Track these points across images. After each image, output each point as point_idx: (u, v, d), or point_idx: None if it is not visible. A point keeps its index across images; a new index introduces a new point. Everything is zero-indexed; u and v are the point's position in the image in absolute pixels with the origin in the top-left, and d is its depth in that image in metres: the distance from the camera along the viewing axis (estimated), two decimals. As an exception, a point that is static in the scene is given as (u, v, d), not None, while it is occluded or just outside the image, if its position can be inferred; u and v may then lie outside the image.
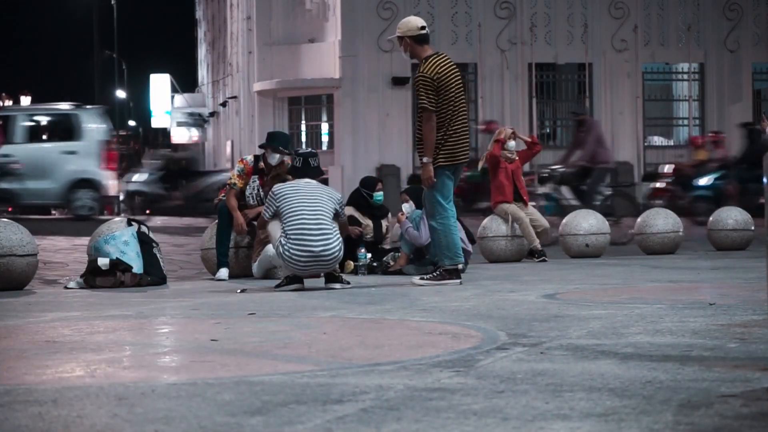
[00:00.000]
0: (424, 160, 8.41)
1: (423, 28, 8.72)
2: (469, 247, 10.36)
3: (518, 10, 29.74)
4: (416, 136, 8.75)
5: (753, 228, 13.61)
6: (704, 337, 4.63)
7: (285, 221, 8.25)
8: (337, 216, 8.42)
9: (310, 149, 9.37)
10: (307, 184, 8.55)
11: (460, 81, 8.66)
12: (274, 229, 8.33)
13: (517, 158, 12.33)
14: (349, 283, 8.45)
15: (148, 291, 8.61)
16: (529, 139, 12.54)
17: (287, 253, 8.15)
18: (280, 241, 8.21)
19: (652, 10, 30.55)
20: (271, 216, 8.42)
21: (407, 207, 10.57)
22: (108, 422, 2.95)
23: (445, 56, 8.69)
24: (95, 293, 8.42)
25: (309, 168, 8.69)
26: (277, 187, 8.58)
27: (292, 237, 8.16)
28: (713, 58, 30.82)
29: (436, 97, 8.40)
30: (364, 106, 29.25)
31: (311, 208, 8.25)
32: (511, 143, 12.25)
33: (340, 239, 8.34)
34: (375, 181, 11.00)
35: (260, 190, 10.26)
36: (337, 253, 8.25)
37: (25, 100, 53.33)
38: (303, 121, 31.95)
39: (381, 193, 10.82)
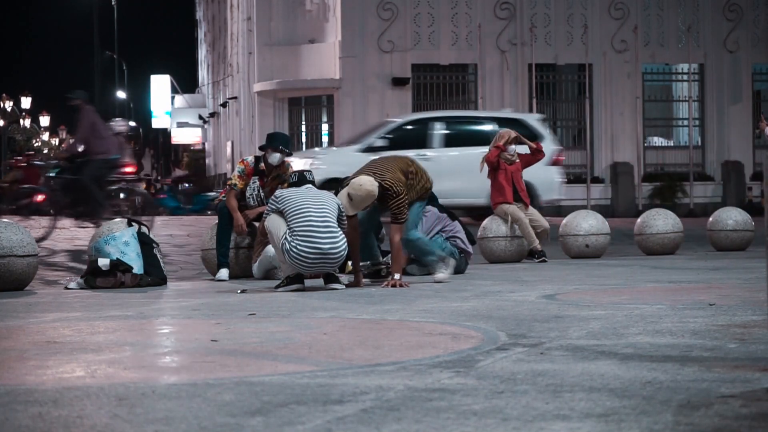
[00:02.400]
0: (396, 276, 8.52)
1: (371, 184, 8.69)
2: (470, 249, 10.36)
3: (518, 10, 29.74)
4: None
5: (752, 228, 13.62)
6: (704, 337, 4.64)
7: (291, 219, 8.24)
8: (340, 221, 8.44)
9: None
10: (309, 188, 8.59)
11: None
12: (275, 225, 8.31)
13: (517, 160, 12.34)
14: (345, 286, 8.45)
15: (148, 291, 8.61)
16: (534, 146, 12.52)
17: (294, 250, 8.13)
18: (286, 238, 8.19)
19: (651, 11, 30.53)
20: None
21: None
22: (108, 423, 2.95)
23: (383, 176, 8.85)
24: (95, 294, 8.42)
25: (305, 181, 8.76)
26: (280, 191, 8.60)
27: (300, 234, 8.15)
28: (713, 58, 30.81)
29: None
30: (364, 107, 29.25)
31: (317, 207, 8.27)
32: (511, 148, 12.24)
33: (345, 238, 8.38)
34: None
35: (260, 191, 10.26)
36: (343, 252, 8.28)
37: (25, 101, 53.30)
38: (303, 122, 31.95)
39: None
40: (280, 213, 8.36)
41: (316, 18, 30.71)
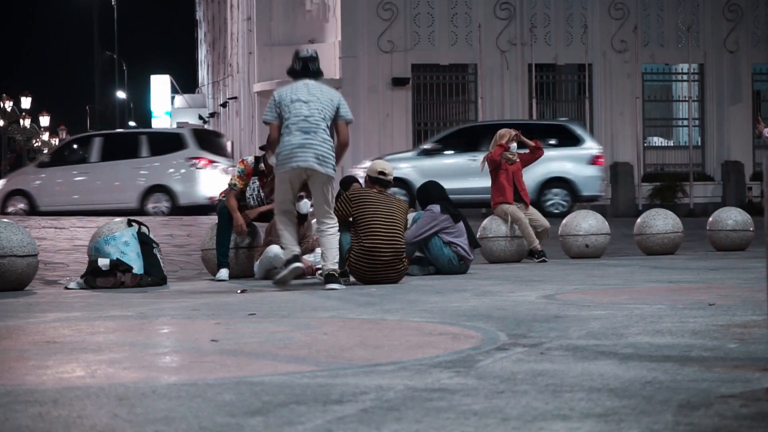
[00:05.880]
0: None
1: (382, 173, 9.47)
2: (470, 256, 10.34)
3: (518, 10, 29.73)
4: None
5: (752, 228, 13.63)
6: (704, 337, 4.63)
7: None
8: (336, 118, 8.72)
9: (310, 53, 9.03)
10: (308, 98, 8.67)
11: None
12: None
13: (518, 160, 12.34)
14: (344, 287, 8.48)
15: (148, 291, 8.61)
16: (533, 144, 12.52)
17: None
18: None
19: (651, 11, 30.52)
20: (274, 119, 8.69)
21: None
22: (108, 422, 2.95)
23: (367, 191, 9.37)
24: (95, 294, 8.42)
25: (308, 71, 8.83)
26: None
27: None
28: (713, 58, 30.80)
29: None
30: (364, 107, 29.25)
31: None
32: (513, 145, 12.25)
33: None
34: (351, 181, 10.86)
35: (260, 191, 10.26)
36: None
37: (25, 101, 53.25)
38: (303, 122, 31.89)
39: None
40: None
41: (316, 18, 30.71)
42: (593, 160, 21.63)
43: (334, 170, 8.63)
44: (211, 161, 21.85)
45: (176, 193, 21.55)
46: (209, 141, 23.37)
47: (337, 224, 8.67)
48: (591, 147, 21.94)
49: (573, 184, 21.36)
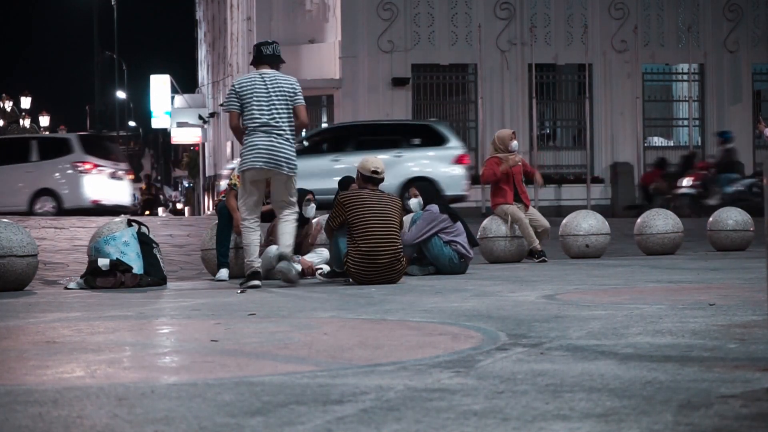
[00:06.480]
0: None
1: (375, 171, 9.38)
2: (470, 254, 10.34)
3: (518, 10, 29.72)
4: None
5: (753, 228, 13.63)
6: (704, 337, 4.63)
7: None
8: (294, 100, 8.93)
9: (266, 39, 9.34)
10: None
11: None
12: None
13: (519, 162, 12.35)
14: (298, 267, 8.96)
15: (148, 291, 8.62)
16: (530, 171, 12.58)
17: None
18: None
19: (651, 11, 30.51)
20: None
21: (415, 202, 10.56)
22: (108, 423, 2.95)
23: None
24: (95, 294, 8.43)
25: (262, 56, 9.02)
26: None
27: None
28: (713, 58, 30.79)
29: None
30: (364, 107, 29.24)
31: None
32: (514, 143, 12.26)
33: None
34: (350, 181, 10.83)
35: (260, 190, 10.27)
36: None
37: (26, 101, 53.26)
38: (303, 122, 31.85)
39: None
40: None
41: (316, 18, 30.71)
42: (457, 160, 21.45)
43: (296, 169, 8.97)
44: (97, 165, 22.39)
45: (61, 196, 22.08)
46: (98, 146, 23.98)
47: (297, 213, 8.99)
48: (455, 147, 21.71)
49: (436, 184, 21.07)
